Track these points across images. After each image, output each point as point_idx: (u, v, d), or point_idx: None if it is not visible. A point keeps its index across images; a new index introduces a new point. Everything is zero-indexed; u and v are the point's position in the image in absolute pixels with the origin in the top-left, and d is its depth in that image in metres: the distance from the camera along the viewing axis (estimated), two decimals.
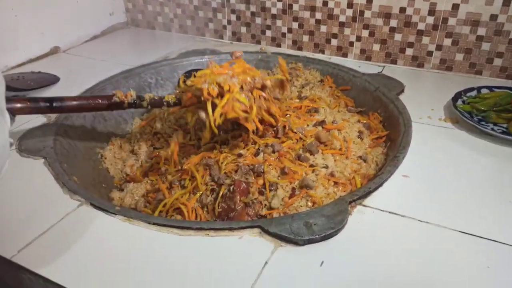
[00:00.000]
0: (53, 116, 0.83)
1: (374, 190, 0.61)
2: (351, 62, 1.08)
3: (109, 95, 0.74)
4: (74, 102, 0.72)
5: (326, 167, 0.72)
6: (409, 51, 1.04)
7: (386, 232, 0.54)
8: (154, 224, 0.55)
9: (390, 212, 0.57)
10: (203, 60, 1.10)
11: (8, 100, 0.50)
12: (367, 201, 0.59)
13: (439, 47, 1.00)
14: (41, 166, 0.68)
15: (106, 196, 0.77)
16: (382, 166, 0.73)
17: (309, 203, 0.65)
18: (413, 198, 0.59)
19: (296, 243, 0.51)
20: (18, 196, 0.62)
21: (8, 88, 0.53)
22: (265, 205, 0.66)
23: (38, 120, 0.82)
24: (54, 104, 0.69)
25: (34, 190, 0.63)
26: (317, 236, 0.51)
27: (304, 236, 0.51)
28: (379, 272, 0.48)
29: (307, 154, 0.72)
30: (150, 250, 0.52)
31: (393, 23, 1.02)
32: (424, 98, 0.88)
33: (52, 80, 0.99)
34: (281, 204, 0.66)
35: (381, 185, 0.62)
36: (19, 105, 0.65)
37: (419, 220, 0.55)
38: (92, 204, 0.59)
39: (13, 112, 0.64)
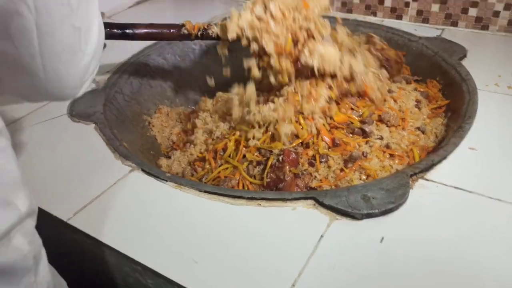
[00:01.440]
0: (102, 82, 0.83)
1: (438, 163, 0.56)
2: (406, 25, 1.00)
3: (178, 25, 0.76)
4: (145, 30, 0.75)
5: (381, 138, 0.67)
6: (473, 12, 0.94)
7: (452, 208, 0.50)
8: (205, 192, 0.54)
9: (456, 188, 0.52)
10: None
11: None
12: (430, 174, 0.55)
13: (507, 7, 0.90)
14: (92, 131, 0.69)
15: (154, 163, 0.77)
16: (442, 138, 0.68)
17: (363, 176, 0.62)
18: (481, 173, 0.55)
19: (353, 217, 0.49)
20: (71, 160, 0.63)
21: None
22: (315, 177, 0.64)
23: None
24: (127, 31, 0.74)
25: (86, 154, 0.64)
26: (376, 211, 0.48)
27: (362, 210, 0.48)
28: (443, 252, 0.44)
29: (363, 126, 0.68)
30: (201, 218, 0.51)
31: None
32: (490, 64, 0.80)
33: None
34: (331, 177, 0.63)
35: (445, 158, 0.57)
36: None
37: (489, 197, 0.51)
38: (143, 170, 0.59)
39: None
